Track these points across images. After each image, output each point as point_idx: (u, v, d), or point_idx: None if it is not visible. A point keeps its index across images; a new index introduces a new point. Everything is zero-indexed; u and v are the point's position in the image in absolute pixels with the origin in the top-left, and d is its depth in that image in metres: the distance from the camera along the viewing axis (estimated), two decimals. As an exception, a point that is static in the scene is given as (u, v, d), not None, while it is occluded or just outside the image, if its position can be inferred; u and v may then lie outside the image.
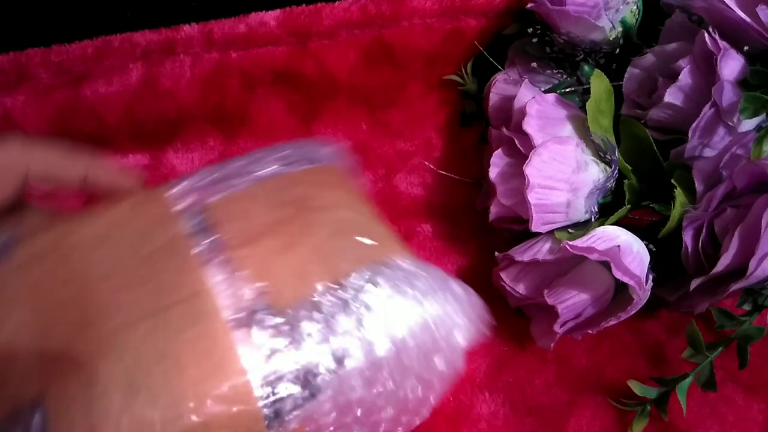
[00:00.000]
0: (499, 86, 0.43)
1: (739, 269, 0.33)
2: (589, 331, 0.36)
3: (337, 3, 0.44)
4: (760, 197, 0.32)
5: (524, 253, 0.37)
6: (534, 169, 0.35)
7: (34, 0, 0.43)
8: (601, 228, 0.35)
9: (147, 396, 0.22)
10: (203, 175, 0.31)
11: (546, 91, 0.42)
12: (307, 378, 0.24)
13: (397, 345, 0.26)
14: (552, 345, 0.37)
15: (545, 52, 0.43)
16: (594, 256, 0.34)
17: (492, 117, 0.43)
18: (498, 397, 0.38)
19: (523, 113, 0.37)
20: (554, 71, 0.44)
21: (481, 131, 0.49)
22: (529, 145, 0.36)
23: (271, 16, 0.43)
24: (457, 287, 0.29)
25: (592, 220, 0.37)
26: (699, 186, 0.35)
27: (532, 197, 0.35)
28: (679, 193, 0.35)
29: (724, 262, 0.33)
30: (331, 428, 0.27)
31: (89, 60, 0.42)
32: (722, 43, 0.35)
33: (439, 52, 0.47)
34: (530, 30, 0.43)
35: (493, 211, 0.39)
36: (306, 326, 0.25)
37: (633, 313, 0.34)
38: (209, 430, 0.23)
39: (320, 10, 0.44)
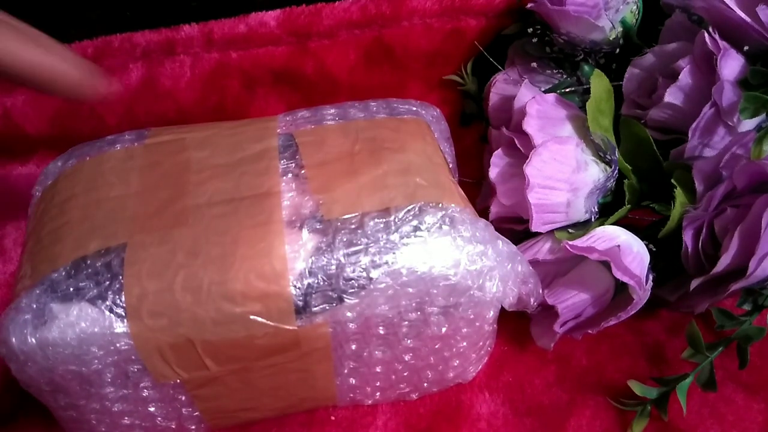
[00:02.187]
0: (499, 86, 0.43)
1: (739, 269, 0.33)
2: (589, 331, 0.36)
3: (337, 3, 0.44)
4: (760, 197, 0.32)
5: (524, 253, 0.36)
6: (534, 169, 0.35)
7: (34, 0, 0.43)
8: (601, 228, 0.35)
9: (204, 260, 0.28)
10: (299, 113, 0.36)
11: (546, 91, 0.42)
12: (338, 282, 0.28)
13: (426, 279, 0.29)
14: (552, 345, 0.37)
15: (545, 52, 0.43)
16: (594, 256, 0.34)
17: (492, 117, 0.43)
18: (498, 397, 0.38)
19: (523, 113, 0.37)
20: (554, 71, 0.44)
21: (481, 131, 0.49)
22: (529, 145, 0.36)
23: (271, 16, 0.43)
24: (505, 246, 0.31)
25: (592, 220, 0.37)
26: (699, 186, 0.35)
27: (532, 197, 0.35)
28: (679, 193, 0.35)
29: (724, 262, 0.33)
30: (354, 337, 0.30)
31: (89, 60, 0.42)
32: (722, 43, 0.35)
33: (439, 52, 0.47)
34: (530, 30, 0.43)
35: (493, 211, 0.39)
36: (347, 237, 0.29)
37: (633, 313, 0.34)
38: (246, 300, 0.27)
39: (320, 10, 0.44)
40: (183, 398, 0.31)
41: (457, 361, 0.35)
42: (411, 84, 0.49)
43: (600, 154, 0.37)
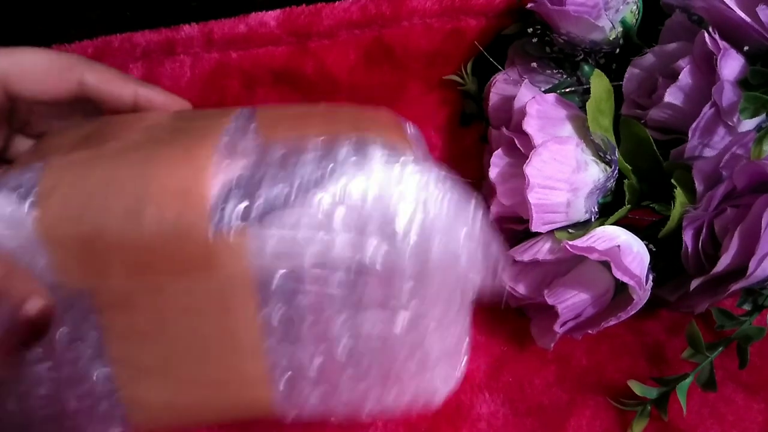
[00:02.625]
0: (499, 86, 0.43)
1: (739, 269, 0.33)
2: (589, 331, 0.36)
3: (337, 3, 0.44)
4: (760, 197, 0.32)
5: (524, 253, 0.37)
6: (534, 169, 0.35)
7: (34, 0, 0.43)
8: (601, 228, 0.35)
9: (124, 161, 0.27)
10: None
11: (546, 91, 0.42)
12: (261, 199, 0.26)
13: (358, 212, 0.26)
14: (552, 345, 0.37)
15: (545, 52, 0.43)
16: (594, 256, 0.34)
17: (492, 117, 0.43)
18: (498, 397, 0.38)
19: (523, 113, 0.37)
20: (554, 71, 0.44)
21: (481, 131, 0.49)
22: (529, 145, 0.36)
23: (271, 16, 0.43)
24: (459, 200, 0.28)
25: (592, 220, 0.37)
26: (699, 186, 0.35)
27: (532, 197, 0.35)
28: (679, 193, 0.35)
29: (724, 262, 0.33)
30: (279, 284, 0.27)
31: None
32: (722, 43, 0.35)
33: (439, 52, 0.47)
34: (530, 30, 0.43)
35: (493, 211, 0.39)
36: (279, 156, 0.27)
37: (633, 313, 0.34)
38: (162, 196, 0.26)
39: (320, 10, 0.44)
40: (96, 375, 0.28)
41: (413, 361, 0.30)
42: (411, 84, 0.49)
43: (600, 154, 0.37)
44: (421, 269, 0.28)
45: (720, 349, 0.35)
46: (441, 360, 0.31)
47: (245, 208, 0.26)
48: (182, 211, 0.26)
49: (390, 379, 0.30)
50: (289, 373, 0.29)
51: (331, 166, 0.27)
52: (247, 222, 0.26)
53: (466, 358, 0.32)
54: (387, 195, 0.27)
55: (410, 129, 0.34)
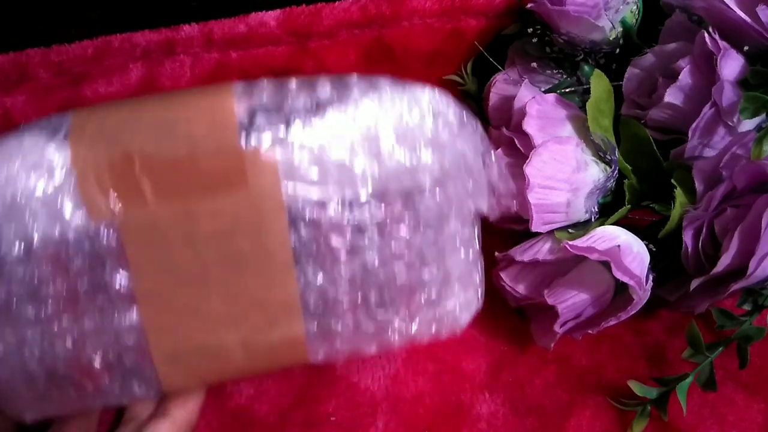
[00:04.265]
0: (499, 86, 0.43)
1: (739, 269, 0.33)
2: (589, 331, 0.36)
3: (337, 3, 0.44)
4: (760, 197, 0.32)
5: (524, 253, 0.37)
6: (534, 169, 0.35)
7: (34, 0, 0.43)
8: (601, 228, 0.35)
9: (154, 100, 0.27)
10: None
11: (546, 91, 0.42)
12: (288, 107, 0.27)
13: (368, 123, 0.27)
14: (552, 345, 0.37)
15: (545, 52, 0.43)
16: (594, 256, 0.34)
17: (492, 117, 0.43)
18: (498, 397, 0.38)
19: (523, 113, 0.37)
20: (554, 71, 0.44)
21: (481, 131, 0.49)
22: (529, 145, 0.36)
23: (271, 16, 0.43)
24: (466, 117, 0.30)
25: (592, 220, 0.37)
26: (699, 186, 0.35)
27: (532, 197, 0.35)
28: (679, 193, 0.35)
29: (724, 262, 0.33)
30: (307, 192, 0.27)
31: (89, 60, 0.42)
32: (722, 43, 0.35)
33: (439, 52, 0.47)
34: (530, 30, 0.43)
35: (493, 211, 0.39)
36: (293, 82, 0.28)
37: (633, 313, 0.34)
38: (190, 116, 0.26)
39: (320, 10, 0.44)
40: (120, 314, 0.27)
41: (434, 291, 0.30)
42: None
43: (600, 154, 0.37)
44: (436, 181, 0.28)
45: (720, 349, 0.35)
46: (460, 282, 0.31)
47: (272, 126, 0.27)
48: (212, 126, 0.26)
49: (413, 304, 0.30)
50: (320, 301, 0.29)
51: (347, 90, 0.28)
52: (276, 140, 0.26)
53: (482, 288, 0.32)
54: (403, 113, 0.28)
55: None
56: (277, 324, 0.29)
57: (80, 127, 0.26)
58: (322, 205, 0.27)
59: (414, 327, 0.31)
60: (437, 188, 0.28)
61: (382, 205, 0.28)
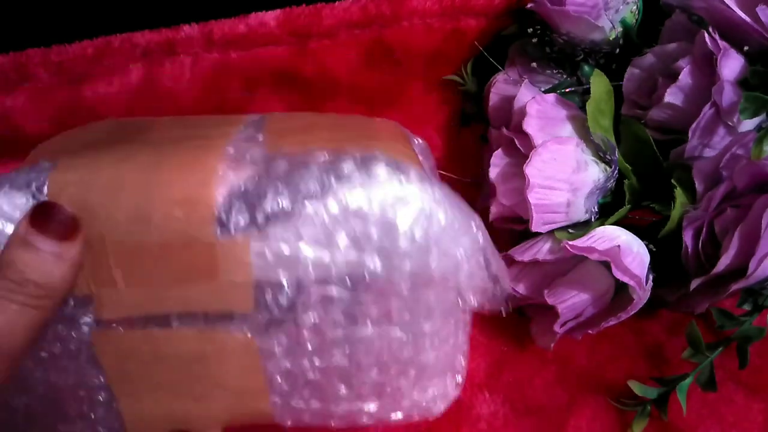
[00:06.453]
0: (499, 86, 0.43)
1: (739, 269, 0.33)
2: (589, 331, 0.36)
3: (337, 3, 0.44)
4: (760, 197, 0.32)
5: (524, 253, 0.37)
6: (534, 169, 0.35)
7: (34, 0, 0.43)
8: (601, 228, 0.35)
9: (132, 165, 0.27)
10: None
11: (546, 91, 0.42)
12: (265, 206, 0.27)
13: (354, 217, 0.27)
14: (552, 345, 0.37)
15: (545, 53, 0.43)
16: (594, 256, 0.34)
17: (492, 117, 0.43)
18: (498, 397, 0.38)
19: (523, 113, 0.37)
20: (554, 71, 0.44)
21: (481, 131, 0.49)
22: (529, 145, 0.36)
23: (271, 16, 0.43)
24: (461, 213, 0.28)
25: (592, 220, 0.37)
26: (699, 186, 0.35)
27: (532, 197, 0.35)
28: (679, 193, 0.35)
29: (724, 262, 0.33)
30: (278, 267, 0.27)
31: (89, 60, 0.42)
32: (722, 43, 0.35)
33: (439, 52, 0.47)
34: (530, 30, 0.43)
35: (493, 211, 0.39)
36: (284, 168, 0.27)
37: (633, 313, 0.34)
38: (167, 203, 0.26)
39: (320, 10, 0.44)
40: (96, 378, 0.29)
41: (405, 384, 0.31)
42: (411, 84, 0.49)
43: (600, 154, 0.37)
44: (419, 284, 0.28)
45: (720, 349, 0.35)
46: (437, 375, 0.31)
47: (249, 218, 0.27)
48: (188, 218, 0.26)
49: (386, 392, 0.31)
50: (287, 383, 0.30)
51: (334, 180, 0.27)
52: (250, 232, 0.27)
53: (462, 374, 0.32)
54: (388, 210, 0.27)
55: (417, 141, 0.35)
56: (244, 402, 0.30)
57: (57, 195, 0.27)
58: (294, 295, 0.28)
59: (384, 414, 0.31)
60: (417, 287, 0.28)
61: (357, 299, 0.28)
